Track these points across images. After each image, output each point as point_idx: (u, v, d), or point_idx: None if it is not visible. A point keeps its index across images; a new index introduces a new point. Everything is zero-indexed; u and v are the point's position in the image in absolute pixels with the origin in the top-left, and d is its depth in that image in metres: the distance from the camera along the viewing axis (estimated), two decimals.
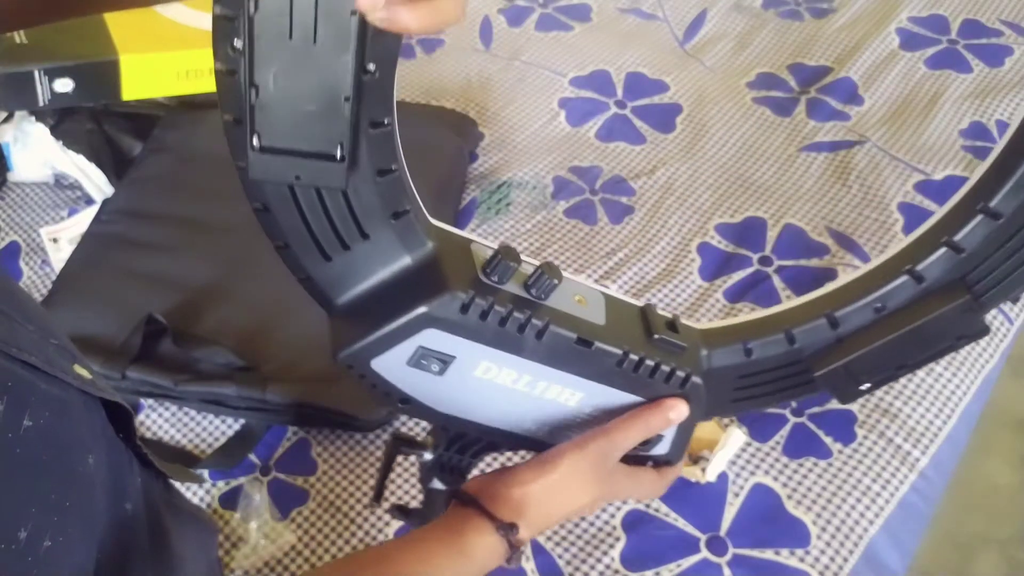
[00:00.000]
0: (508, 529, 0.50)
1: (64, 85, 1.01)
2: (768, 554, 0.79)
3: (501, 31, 1.37)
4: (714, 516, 0.81)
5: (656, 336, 0.51)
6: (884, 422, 0.86)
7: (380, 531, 0.82)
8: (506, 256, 0.46)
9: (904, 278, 0.51)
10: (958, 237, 0.49)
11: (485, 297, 0.46)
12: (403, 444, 0.58)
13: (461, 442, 0.56)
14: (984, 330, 0.52)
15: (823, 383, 0.55)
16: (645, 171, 1.14)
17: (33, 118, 1.10)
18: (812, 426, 0.87)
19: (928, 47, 1.28)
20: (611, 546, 0.80)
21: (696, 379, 0.52)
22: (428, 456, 0.57)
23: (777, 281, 1.00)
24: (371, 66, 0.37)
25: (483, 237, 1.05)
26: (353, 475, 0.86)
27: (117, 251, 1.00)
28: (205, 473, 0.85)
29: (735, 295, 0.99)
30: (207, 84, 1.08)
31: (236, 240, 0.94)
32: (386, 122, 0.40)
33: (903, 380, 0.89)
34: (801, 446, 0.85)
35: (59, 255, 1.03)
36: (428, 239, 0.46)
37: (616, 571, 0.78)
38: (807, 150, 1.16)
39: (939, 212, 0.51)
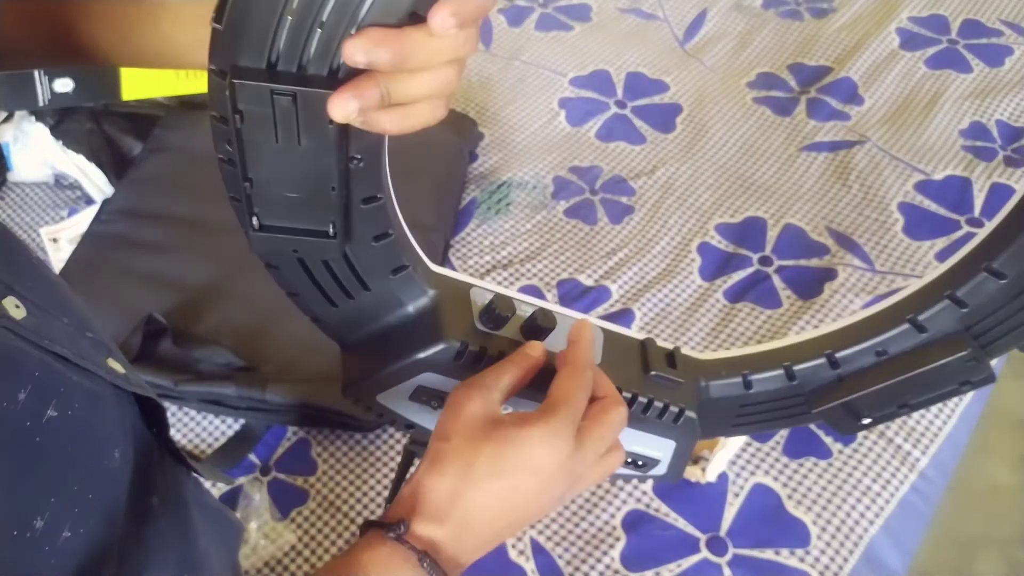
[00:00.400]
0: (393, 528, 0.44)
1: (64, 85, 1.01)
2: (768, 554, 0.79)
3: (501, 31, 1.37)
4: (714, 516, 0.81)
5: (652, 373, 0.52)
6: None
7: None
8: (500, 307, 0.48)
9: (906, 326, 0.52)
10: (961, 292, 0.49)
11: (478, 345, 0.48)
12: (419, 448, 0.59)
13: None
14: (990, 377, 0.51)
15: (822, 417, 0.56)
16: (645, 171, 1.14)
17: (33, 118, 1.10)
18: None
19: (928, 47, 1.28)
20: (611, 546, 0.80)
21: (690, 414, 0.53)
22: None
23: (777, 281, 1.00)
24: (356, 155, 0.39)
25: (483, 238, 1.06)
26: (353, 475, 0.86)
27: (117, 251, 1.00)
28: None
29: (735, 295, 0.99)
30: (207, 84, 1.08)
31: (236, 240, 0.92)
32: (378, 196, 0.42)
33: None
34: (801, 446, 0.86)
35: (59, 255, 1.03)
36: (428, 288, 0.49)
37: (616, 571, 0.78)
38: (807, 150, 1.16)
39: (944, 265, 0.51)
